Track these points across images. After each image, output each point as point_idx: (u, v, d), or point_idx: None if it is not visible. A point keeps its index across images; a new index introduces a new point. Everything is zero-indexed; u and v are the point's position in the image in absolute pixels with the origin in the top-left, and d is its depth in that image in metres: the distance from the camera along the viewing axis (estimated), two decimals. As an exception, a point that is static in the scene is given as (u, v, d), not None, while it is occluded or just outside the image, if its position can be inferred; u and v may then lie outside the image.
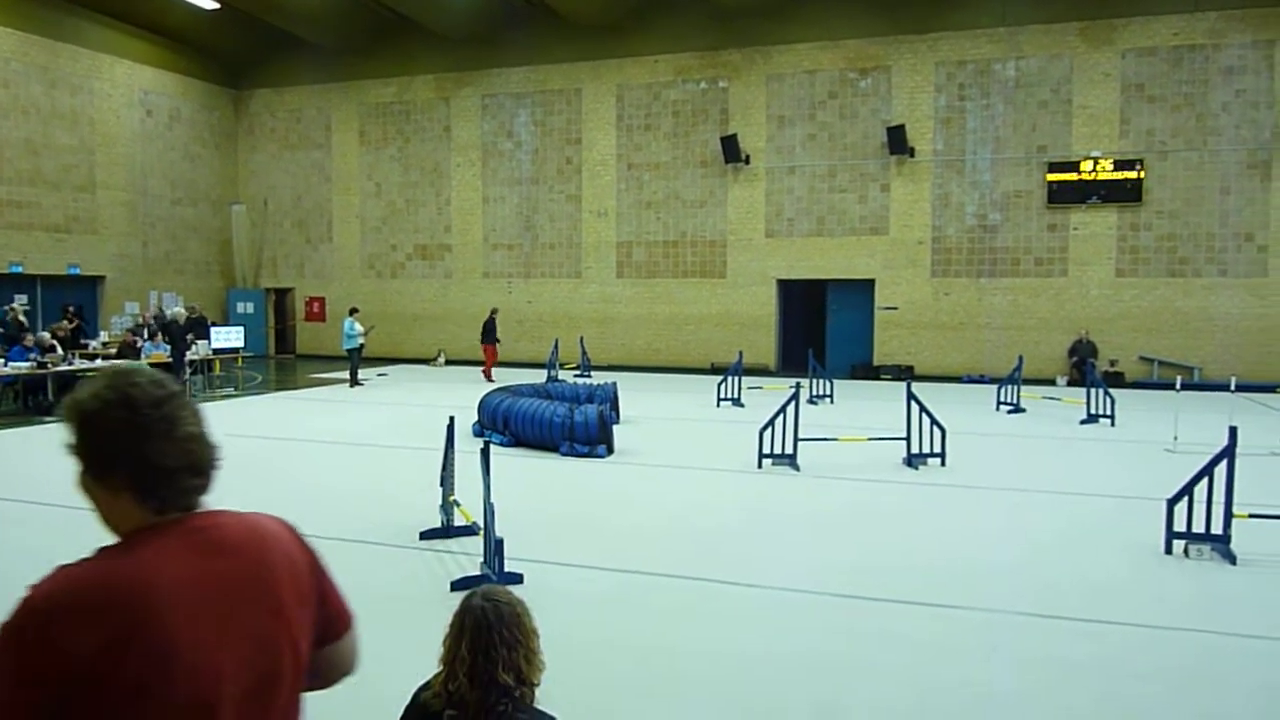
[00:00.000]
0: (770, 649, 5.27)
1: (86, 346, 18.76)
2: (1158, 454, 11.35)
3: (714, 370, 20.90)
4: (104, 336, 20.31)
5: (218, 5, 22.44)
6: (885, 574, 6.63)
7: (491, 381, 18.58)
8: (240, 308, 26.45)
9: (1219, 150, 19.34)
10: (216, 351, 18.99)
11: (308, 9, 23.16)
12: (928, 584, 6.39)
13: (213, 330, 19.33)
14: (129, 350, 17.01)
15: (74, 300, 21.48)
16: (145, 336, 17.92)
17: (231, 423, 14.08)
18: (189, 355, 17.31)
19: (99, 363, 16.56)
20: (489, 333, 20.60)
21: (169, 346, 17.03)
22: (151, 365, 16.02)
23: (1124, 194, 19.81)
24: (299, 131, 26.60)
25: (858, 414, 14.77)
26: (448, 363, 24.15)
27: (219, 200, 26.62)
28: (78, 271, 22.40)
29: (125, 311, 23.21)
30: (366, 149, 25.83)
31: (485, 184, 24.71)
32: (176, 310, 18.21)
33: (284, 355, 27.21)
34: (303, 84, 26.33)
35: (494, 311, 21.08)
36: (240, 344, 19.65)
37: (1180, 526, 7.04)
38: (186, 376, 16.91)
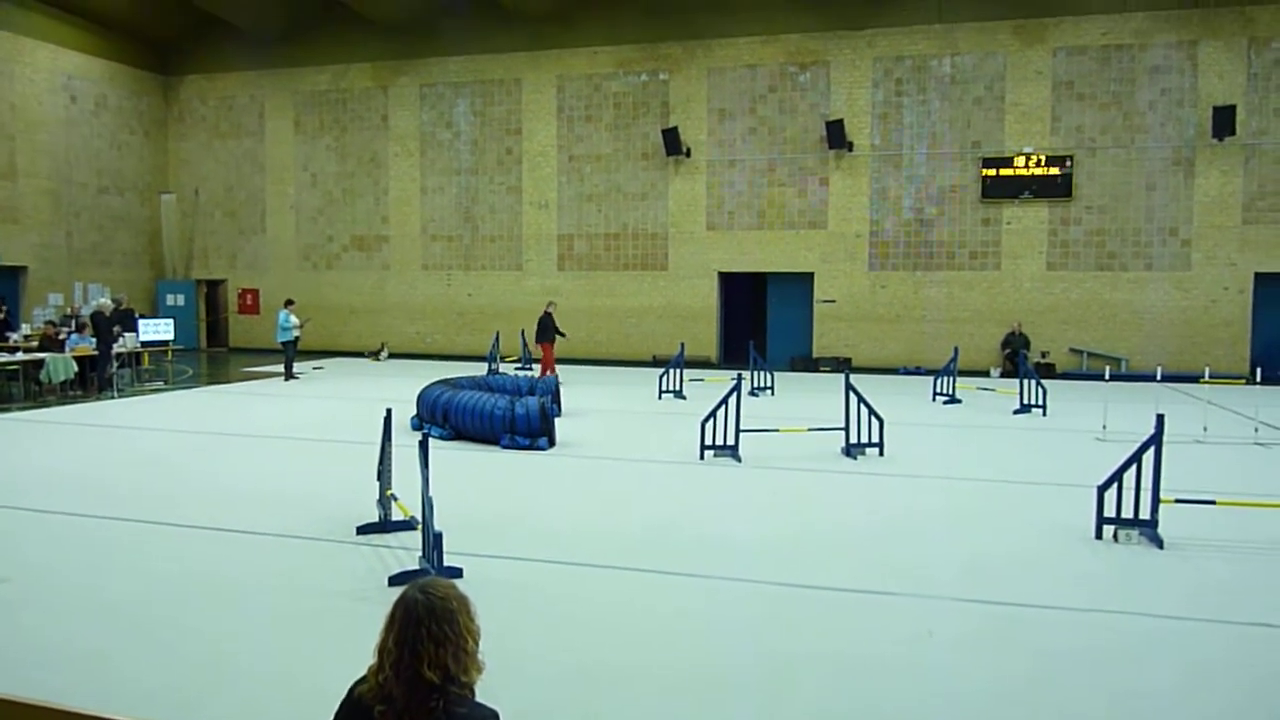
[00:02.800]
0: (711, 637, 5.27)
1: (8, 339, 18.07)
2: (1088, 442, 11.65)
3: (656, 363, 20.92)
4: (26, 329, 19.57)
5: (144, -13, 21.76)
6: (824, 562, 6.69)
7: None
8: (170, 300, 25.73)
9: (1145, 147, 19.91)
10: (145, 344, 18.42)
11: (239, -7, 22.57)
12: (867, 571, 6.46)
13: (141, 322, 18.76)
14: (51, 342, 16.40)
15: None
16: (73, 328, 17.31)
17: (162, 417, 13.70)
18: (116, 348, 16.77)
19: (20, 355, 15.95)
20: (545, 330, 18.12)
21: (94, 340, 16.48)
22: (75, 358, 15.59)
23: (1055, 189, 20.29)
24: (231, 119, 25.92)
25: (798, 405, 14.91)
26: (391, 356, 23.79)
27: (148, 189, 25.83)
28: (-3, 262, 21.56)
29: (49, 303, 22.43)
30: (301, 138, 25.28)
31: (424, 174, 24.37)
32: (102, 301, 17.60)
33: (216, 348, 26.55)
34: (235, 70, 25.66)
35: (550, 305, 18.81)
36: (170, 336, 19.10)
37: (1110, 512, 7.22)
38: (112, 370, 16.39)
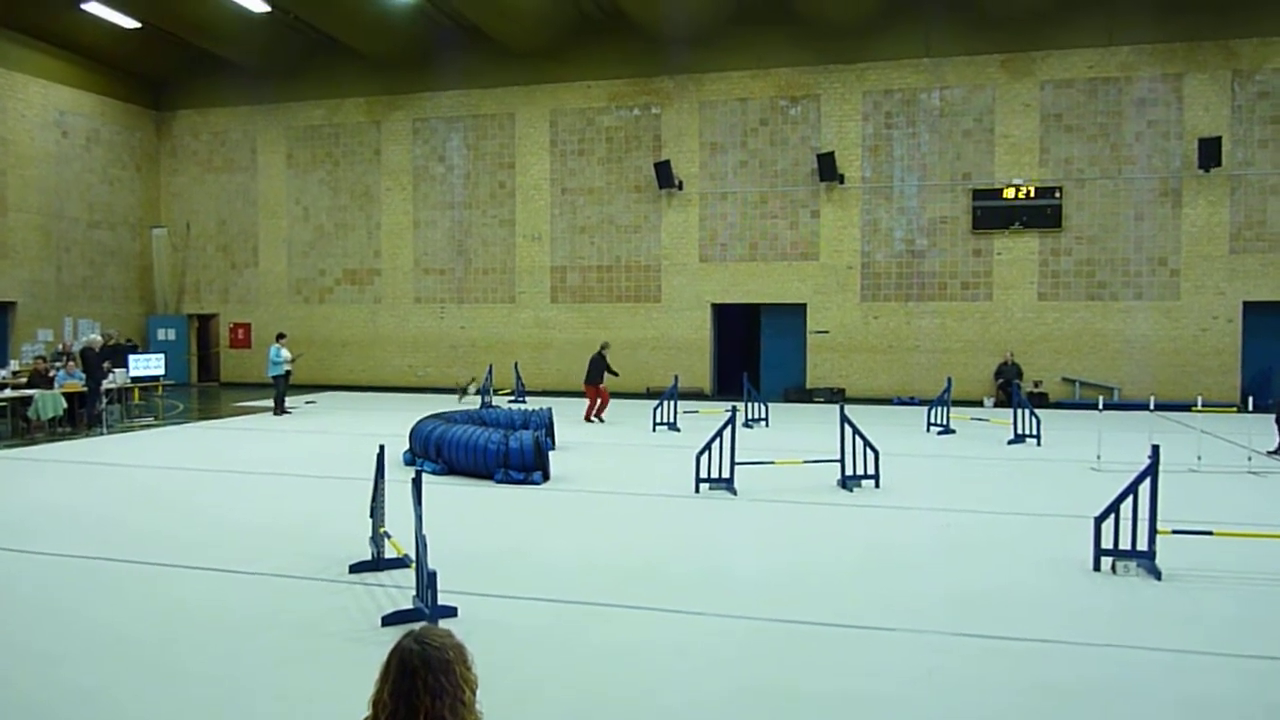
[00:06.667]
0: (710, 675, 5.19)
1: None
2: (1083, 472, 11.63)
3: (649, 395, 20.88)
4: (14, 365, 19.44)
5: (138, 24, 21.87)
6: (822, 597, 6.63)
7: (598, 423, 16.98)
8: (161, 334, 25.63)
9: (1133, 178, 20.09)
10: (135, 380, 18.32)
11: (233, 29, 22.71)
12: (864, 606, 6.40)
13: (131, 358, 18.66)
14: (41, 379, 16.29)
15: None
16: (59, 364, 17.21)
17: (151, 454, 13.59)
18: (106, 384, 16.66)
19: (8, 392, 15.84)
20: (596, 372, 17.44)
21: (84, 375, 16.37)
22: (64, 394, 15.47)
23: (1044, 220, 20.43)
24: (223, 154, 26.00)
25: (792, 437, 14.88)
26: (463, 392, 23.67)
27: (139, 224, 25.84)
28: (-13, 297, 21.48)
29: (38, 339, 22.33)
30: (294, 172, 25.35)
31: (416, 208, 24.43)
32: (92, 338, 17.51)
33: (207, 383, 26.42)
34: (228, 105, 25.78)
35: (604, 346, 18.00)
36: (161, 371, 19.01)
37: (1107, 543, 7.18)
38: (101, 406, 16.28)
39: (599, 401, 17.42)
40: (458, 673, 2.16)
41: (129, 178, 25.52)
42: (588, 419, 17.23)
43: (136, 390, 18.77)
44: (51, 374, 16.57)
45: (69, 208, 23.61)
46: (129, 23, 21.75)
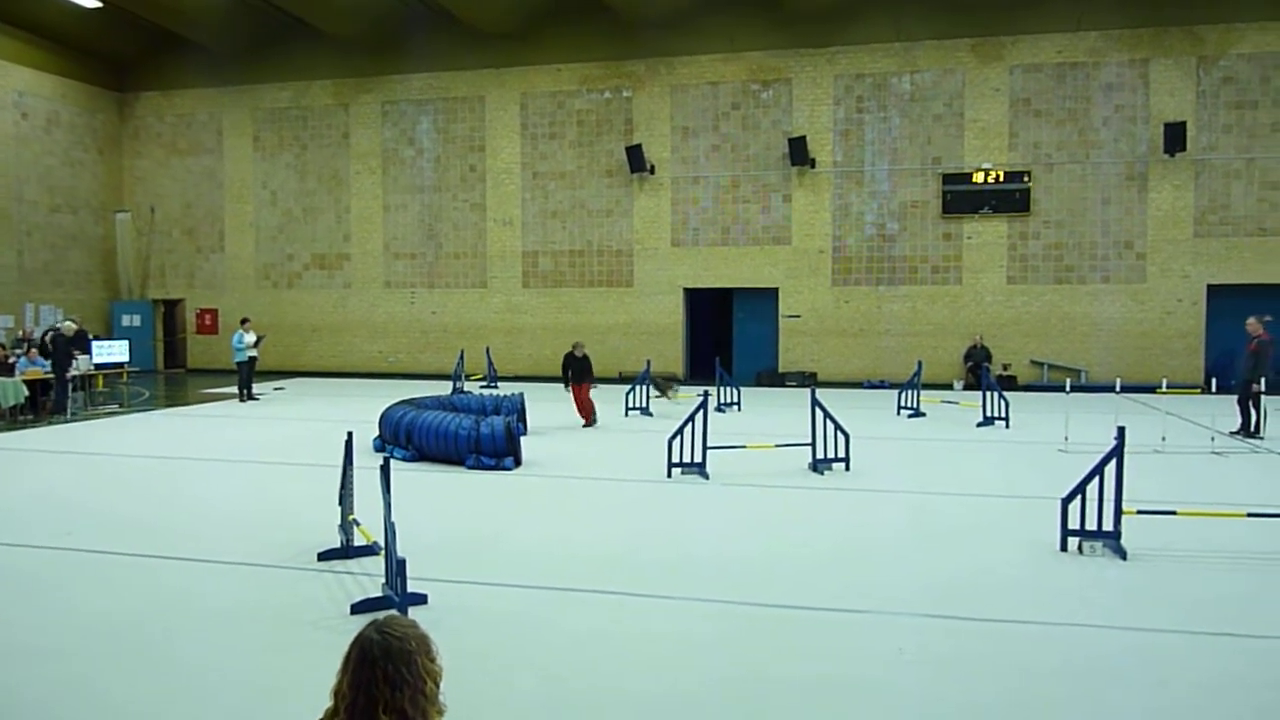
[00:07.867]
0: (682, 660, 5.20)
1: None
2: (1051, 454, 11.76)
3: (622, 379, 20.84)
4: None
5: (99, 3, 21.41)
6: (794, 581, 6.66)
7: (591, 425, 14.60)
8: (125, 320, 25.22)
9: (1100, 163, 20.28)
10: (99, 367, 18.01)
11: (196, 9, 22.31)
12: (835, 590, 6.43)
13: (95, 344, 18.33)
14: (1, 366, 15.98)
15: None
16: (22, 351, 16.88)
17: (116, 442, 13.40)
18: (70, 371, 16.37)
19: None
20: (575, 371, 14.70)
21: (47, 363, 16.07)
22: (26, 382, 15.18)
23: (1013, 204, 20.59)
24: (189, 137, 25.57)
25: (765, 421, 14.92)
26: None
27: (102, 208, 25.37)
28: (-56, 283, 21.02)
29: (-2, 325, 21.93)
30: (261, 155, 24.98)
31: (386, 192, 24.18)
32: (66, 324, 17.12)
33: (174, 370, 26.06)
34: (193, 87, 25.33)
35: (576, 345, 14.96)
36: (125, 359, 18.70)
37: (1074, 524, 7.27)
38: (68, 395, 15.98)
39: (581, 403, 14.74)
40: (419, 664, 2.12)
41: (91, 160, 25.04)
42: (587, 422, 14.67)
43: (100, 377, 18.46)
44: (12, 361, 16.26)
45: (29, 191, 23.13)
46: (90, 2, 21.27)
